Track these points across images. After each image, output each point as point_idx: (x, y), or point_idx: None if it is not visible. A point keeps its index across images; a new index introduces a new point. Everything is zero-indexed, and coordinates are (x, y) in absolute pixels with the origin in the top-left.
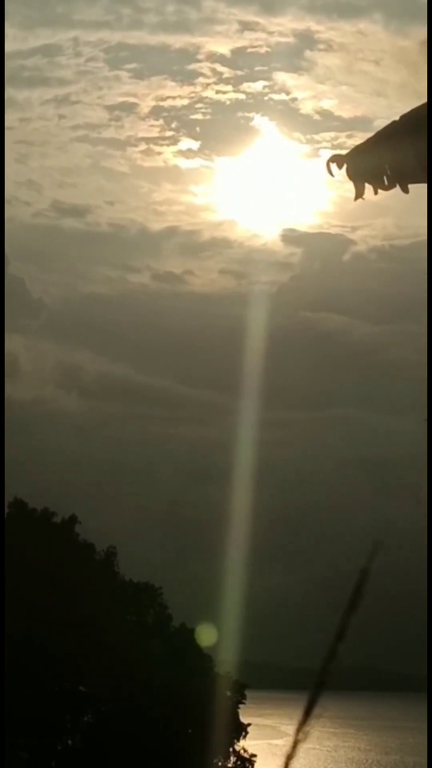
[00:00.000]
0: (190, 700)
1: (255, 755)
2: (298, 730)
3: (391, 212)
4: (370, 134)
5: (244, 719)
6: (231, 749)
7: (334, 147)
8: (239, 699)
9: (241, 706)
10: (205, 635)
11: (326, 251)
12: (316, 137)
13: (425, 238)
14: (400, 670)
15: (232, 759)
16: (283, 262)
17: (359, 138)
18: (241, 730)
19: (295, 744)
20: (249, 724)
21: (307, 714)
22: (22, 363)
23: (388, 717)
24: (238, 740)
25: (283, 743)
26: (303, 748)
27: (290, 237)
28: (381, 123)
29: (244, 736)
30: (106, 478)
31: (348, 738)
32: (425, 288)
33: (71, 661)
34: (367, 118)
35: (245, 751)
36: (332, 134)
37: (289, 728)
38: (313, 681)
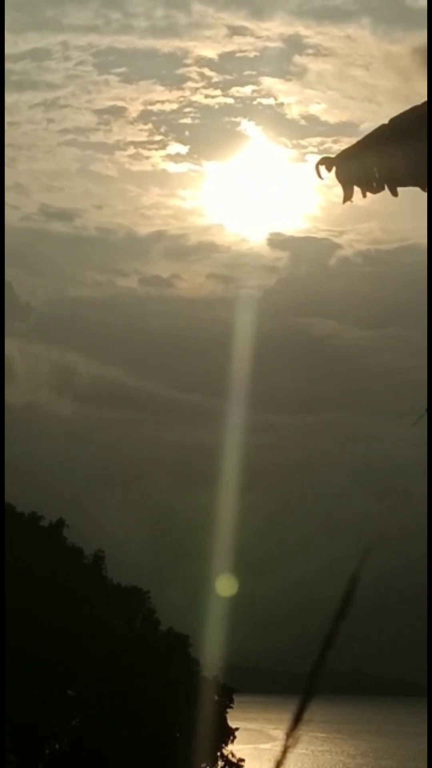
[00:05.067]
0: (178, 704)
1: (243, 760)
2: (288, 736)
3: (377, 217)
4: (356, 139)
5: (231, 723)
6: (219, 753)
7: (320, 152)
8: (227, 703)
9: (228, 710)
10: (225, 585)
11: (312, 255)
12: (303, 142)
13: (411, 242)
14: (385, 673)
15: (220, 763)
16: (270, 266)
17: (345, 143)
18: (228, 734)
19: (285, 749)
20: (237, 729)
21: (296, 720)
22: (11, 366)
23: (373, 721)
24: (226, 744)
25: (271, 747)
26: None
27: (276, 241)
28: (367, 128)
29: (232, 741)
30: (96, 482)
31: (333, 742)
32: (411, 292)
33: (59, 665)
34: (354, 123)
35: (233, 755)
36: (319, 139)
37: (277, 732)
38: (302, 687)
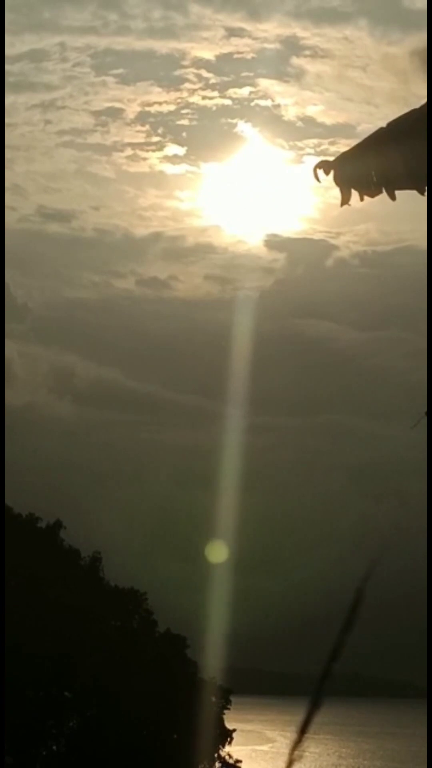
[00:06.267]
0: (176, 706)
1: (240, 761)
2: (293, 749)
3: (374, 218)
4: (353, 141)
5: (228, 725)
6: (216, 755)
7: (317, 153)
8: (224, 704)
9: (225, 711)
10: (215, 552)
11: (309, 257)
12: (300, 144)
13: (408, 243)
14: (382, 675)
15: (217, 765)
16: (267, 268)
17: (343, 145)
18: (226, 735)
19: (290, 763)
20: (234, 730)
21: (302, 733)
22: (8, 367)
23: (369, 723)
24: (224, 746)
25: (268, 749)
26: (281, 755)
27: (274, 242)
28: (365, 129)
29: (230, 742)
30: (93, 483)
31: (325, 744)
32: (408, 293)
33: (56, 667)
34: (351, 124)
35: (230, 756)
36: (316, 141)
37: (274, 734)
38: (308, 700)
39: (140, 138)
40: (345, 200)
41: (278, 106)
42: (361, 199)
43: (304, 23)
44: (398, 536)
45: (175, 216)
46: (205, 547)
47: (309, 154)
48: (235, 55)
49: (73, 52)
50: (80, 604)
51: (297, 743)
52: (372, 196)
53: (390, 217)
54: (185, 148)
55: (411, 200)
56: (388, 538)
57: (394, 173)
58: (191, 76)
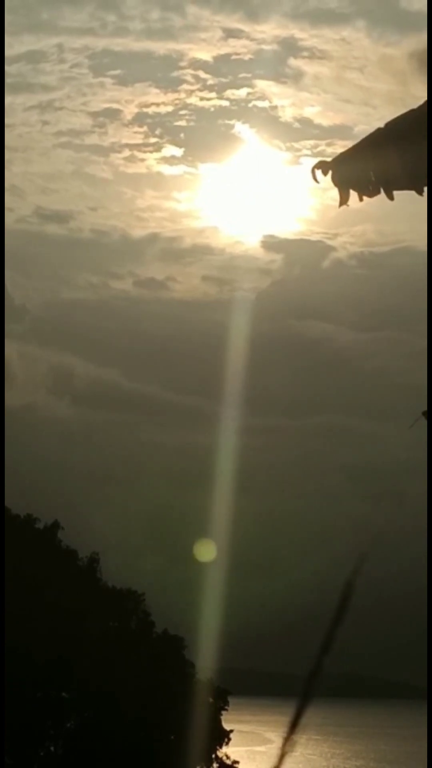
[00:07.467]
0: (173, 707)
1: (237, 762)
2: (285, 742)
3: (371, 219)
4: (350, 142)
5: (226, 725)
6: (213, 756)
7: (314, 155)
8: (221, 705)
9: (223, 712)
10: (204, 551)
11: (306, 258)
12: (297, 145)
13: (405, 244)
14: (382, 676)
15: (215, 765)
16: (264, 269)
17: (340, 146)
18: (223, 736)
19: (282, 756)
20: (231, 731)
21: (293, 726)
22: (7, 368)
23: (369, 723)
24: (221, 747)
25: (265, 750)
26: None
27: (271, 243)
28: (362, 130)
29: (227, 743)
30: (91, 484)
31: (328, 744)
32: (405, 294)
33: (53, 667)
34: (348, 126)
35: (227, 757)
36: (313, 142)
37: (272, 735)
38: (299, 694)
39: (138, 139)
40: (344, 201)
41: (275, 107)
42: (360, 200)
43: (301, 24)
44: (391, 533)
45: (172, 217)
46: (194, 546)
47: (306, 155)
48: (233, 57)
49: (71, 53)
50: (78, 605)
51: (289, 735)
52: (370, 196)
53: (387, 218)
54: (183, 149)
55: (408, 201)
56: (381, 533)
57: (393, 174)
58: (189, 78)
